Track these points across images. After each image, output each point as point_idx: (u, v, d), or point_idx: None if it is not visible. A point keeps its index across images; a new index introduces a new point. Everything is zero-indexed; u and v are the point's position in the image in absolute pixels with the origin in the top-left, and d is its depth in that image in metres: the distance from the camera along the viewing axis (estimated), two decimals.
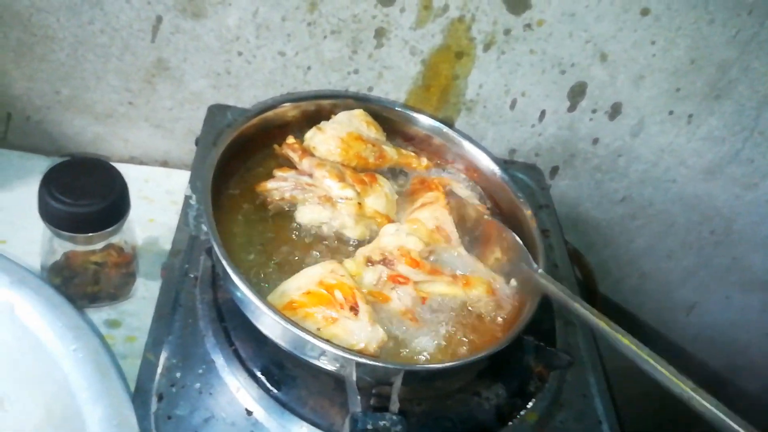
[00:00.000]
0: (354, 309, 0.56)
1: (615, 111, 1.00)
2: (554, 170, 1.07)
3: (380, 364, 0.53)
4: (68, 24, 0.81)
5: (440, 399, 0.64)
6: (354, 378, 0.52)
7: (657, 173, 1.09)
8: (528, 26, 0.89)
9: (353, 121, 0.76)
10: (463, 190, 0.75)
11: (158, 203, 0.90)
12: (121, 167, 0.91)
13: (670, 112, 1.01)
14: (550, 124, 1.00)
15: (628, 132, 1.03)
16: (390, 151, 0.77)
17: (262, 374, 0.60)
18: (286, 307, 0.55)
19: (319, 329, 0.55)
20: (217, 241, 0.55)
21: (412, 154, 0.80)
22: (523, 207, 0.74)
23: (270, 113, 0.74)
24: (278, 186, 0.69)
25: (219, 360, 0.60)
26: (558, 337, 0.74)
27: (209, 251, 0.62)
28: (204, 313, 0.63)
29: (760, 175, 1.10)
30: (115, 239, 0.72)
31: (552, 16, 0.88)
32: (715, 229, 1.19)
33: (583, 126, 1.01)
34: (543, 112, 0.99)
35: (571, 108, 0.99)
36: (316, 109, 0.77)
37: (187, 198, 0.74)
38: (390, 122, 0.80)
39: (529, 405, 0.66)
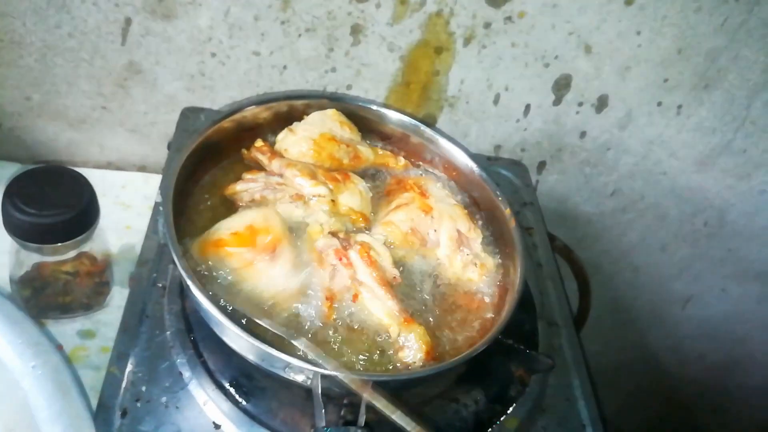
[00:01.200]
0: (273, 254, 0.57)
1: (602, 103, 0.98)
2: (541, 165, 1.05)
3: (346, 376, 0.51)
4: (35, 28, 0.79)
5: (416, 407, 0.62)
6: (319, 390, 0.50)
7: (647, 166, 1.07)
8: (509, 19, 0.86)
9: (326, 122, 0.74)
10: (441, 189, 0.73)
11: (135, 209, 0.88)
12: (97, 173, 0.91)
13: (659, 103, 0.99)
14: (536, 118, 0.98)
15: (615, 124, 1.01)
16: (365, 151, 0.75)
17: (231, 386, 0.58)
18: (215, 244, 0.58)
19: (236, 269, 0.57)
20: (177, 253, 0.53)
21: (389, 153, 0.78)
22: (503, 205, 0.72)
23: (241, 115, 0.72)
24: (247, 188, 0.67)
25: (186, 372, 0.59)
26: (540, 339, 0.73)
27: None
28: (171, 323, 0.62)
29: (752, 165, 1.07)
30: (86, 248, 0.70)
31: (533, 8, 0.86)
32: (709, 221, 1.17)
33: (570, 119, 0.99)
34: (528, 107, 0.97)
35: (557, 101, 0.97)
36: (289, 110, 0.75)
37: (156, 205, 0.73)
38: (366, 121, 0.78)
39: (510, 410, 0.65)
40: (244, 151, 0.72)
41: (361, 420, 0.50)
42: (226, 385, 0.58)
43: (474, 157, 0.76)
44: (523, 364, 0.66)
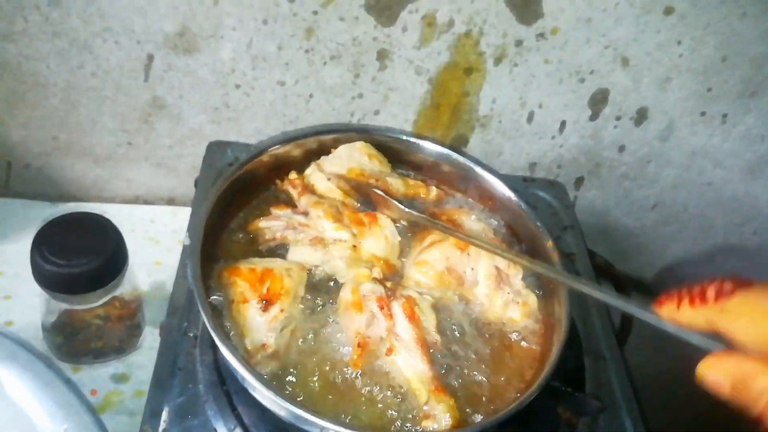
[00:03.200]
0: (267, 304, 0.57)
1: (641, 116, 0.93)
2: (579, 181, 1.01)
3: None
4: (58, 69, 0.79)
5: None
6: None
7: (690, 177, 1.02)
8: (541, 35, 0.83)
9: (354, 155, 0.71)
10: (476, 222, 0.70)
11: (164, 244, 0.87)
12: (125, 208, 0.91)
13: (702, 113, 0.94)
14: (572, 134, 0.94)
15: (656, 137, 0.96)
16: (395, 183, 0.72)
17: None
18: (231, 271, 0.58)
19: (232, 301, 0.57)
20: (207, 314, 0.52)
21: (420, 183, 0.75)
22: (543, 237, 0.68)
23: (268, 154, 0.70)
24: (270, 225, 0.65)
25: (221, 428, 0.57)
26: (587, 374, 0.69)
27: None
28: (204, 375, 0.60)
29: None
30: (116, 292, 0.69)
31: (566, 23, 0.82)
32: (758, 230, 1.11)
33: (608, 134, 0.95)
34: (563, 123, 0.93)
35: (593, 116, 0.93)
36: (318, 145, 0.73)
37: (185, 247, 0.71)
38: (395, 151, 0.76)
39: None
40: (278, 181, 0.70)
41: None
42: None
43: (510, 184, 0.72)
44: (570, 406, 0.63)
